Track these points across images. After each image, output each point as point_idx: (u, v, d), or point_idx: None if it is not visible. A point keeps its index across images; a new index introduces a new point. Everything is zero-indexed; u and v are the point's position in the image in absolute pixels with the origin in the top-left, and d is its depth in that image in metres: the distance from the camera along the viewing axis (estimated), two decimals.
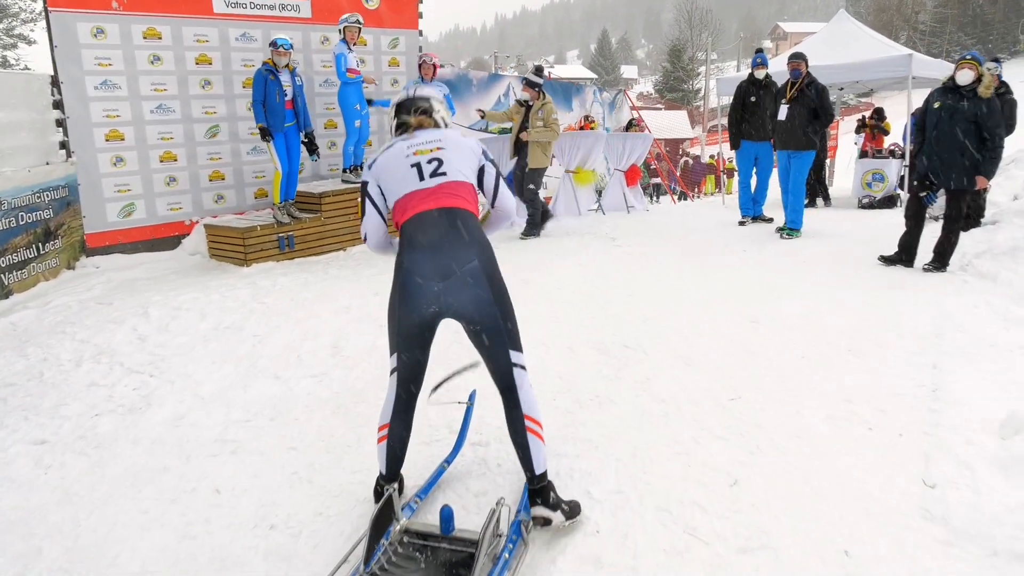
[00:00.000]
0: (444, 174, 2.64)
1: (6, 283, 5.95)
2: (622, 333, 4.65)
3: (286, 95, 6.73)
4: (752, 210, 8.99)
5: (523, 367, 2.64)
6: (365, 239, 2.90)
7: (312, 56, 8.25)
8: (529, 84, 8.17)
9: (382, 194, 2.74)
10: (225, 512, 2.84)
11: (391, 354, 2.70)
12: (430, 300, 2.52)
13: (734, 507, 2.71)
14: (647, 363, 4.12)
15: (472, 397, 3.12)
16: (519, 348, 2.64)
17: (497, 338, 2.57)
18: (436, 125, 2.83)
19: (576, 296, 5.56)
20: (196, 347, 4.78)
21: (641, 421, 3.42)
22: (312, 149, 7.14)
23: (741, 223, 8.91)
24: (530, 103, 8.08)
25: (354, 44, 7.58)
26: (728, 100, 10.95)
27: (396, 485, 2.63)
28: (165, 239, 7.42)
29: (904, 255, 6.26)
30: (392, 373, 2.71)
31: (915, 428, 3.27)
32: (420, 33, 9.28)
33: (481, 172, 2.78)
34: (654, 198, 21.13)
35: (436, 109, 2.87)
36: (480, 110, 8.87)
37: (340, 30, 7.51)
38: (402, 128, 2.81)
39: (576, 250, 7.45)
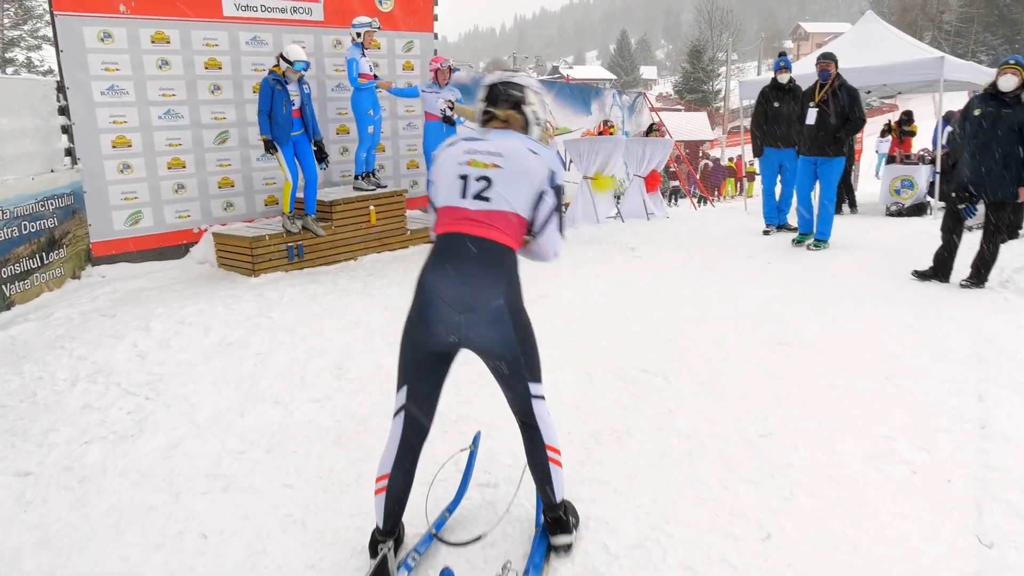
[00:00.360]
0: (487, 200, 2.35)
1: (7, 294, 5.79)
2: (641, 355, 4.39)
3: (293, 105, 6.54)
4: (777, 219, 8.69)
5: (542, 398, 2.48)
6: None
7: (324, 60, 8.06)
8: None
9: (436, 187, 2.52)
10: (210, 560, 2.62)
11: (398, 389, 2.47)
12: (450, 328, 2.32)
13: (767, 566, 2.45)
14: (668, 391, 3.86)
15: (476, 440, 2.86)
16: (539, 380, 2.47)
17: (517, 373, 2.40)
18: (525, 123, 2.52)
19: (593, 312, 5.31)
20: (197, 365, 4.59)
21: (663, 459, 3.16)
22: (321, 157, 6.94)
23: (765, 232, 8.62)
24: None
25: (368, 48, 7.40)
26: (750, 103, 10.66)
27: (392, 543, 2.40)
28: (173, 247, 7.26)
29: (940, 270, 5.95)
30: (397, 414, 2.48)
31: (963, 472, 2.99)
32: (435, 36, 9.07)
33: (539, 199, 2.41)
34: (672, 201, 20.82)
35: (530, 101, 2.53)
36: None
37: (356, 34, 7.32)
38: (487, 118, 2.54)
39: (594, 260, 7.20)
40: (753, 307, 5.38)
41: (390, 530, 2.44)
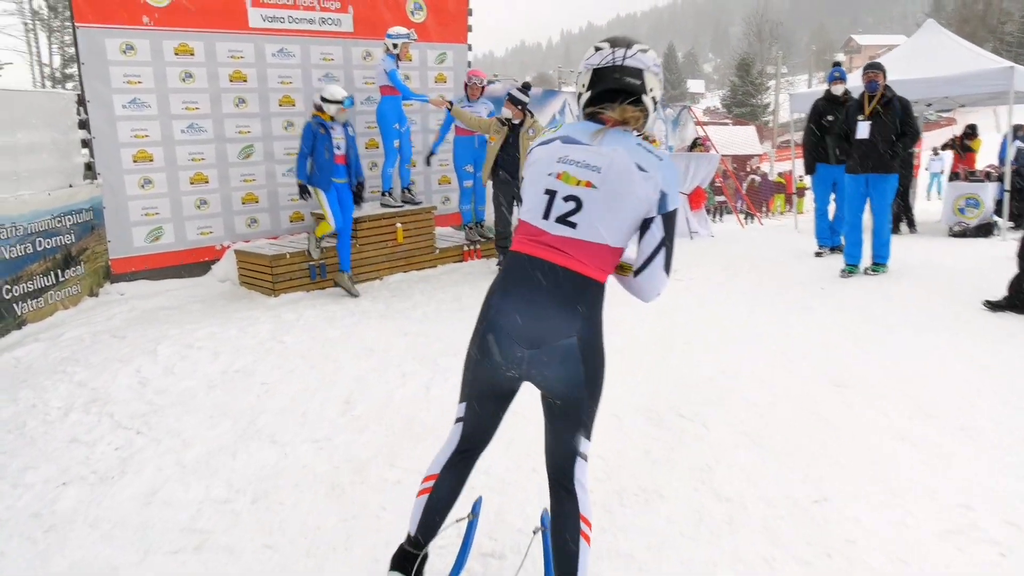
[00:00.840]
0: (573, 226, 1.98)
1: (19, 313, 5.60)
2: (678, 396, 3.94)
3: (338, 150, 6.28)
4: (830, 240, 8.13)
5: (586, 459, 2.13)
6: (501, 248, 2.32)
7: (353, 72, 7.80)
8: (512, 101, 7.01)
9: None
10: None
11: (460, 400, 2.22)
12: (512, 364, 2.03)
13: None
14: (707, 441, 3.41)
15: (476, 509, 2.44)
16: (589, 436, 2.13)
17: (573, 421, 2.08)
18: (643, 118, 2.05)
19: (629, 344, 4.86)
20: (198, 395, 4.29)
21: (698, 528, 2.72)
22: (359, 199, 6.64)
23: (818, 254, 8.06)
24: (514, 121, 7.00)
25: (402, 60, 7.16)
26: (801, 116, 10.11)
27: (423, 556, 2.16)
28: (194, 265, 7.05)
29: (1016, 300, 5.36)
30: (457, 422, 2.23)
31: None
32: (469, 47, 8.76)
33: (645, 227, 2.01)
34: (717, 217, 20.17)
35: (649, 87, 2.06)
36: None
37: (392, 45, 7.05)
38: (592, 118, 2.08)
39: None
40: (804, 340, 4.88)
41: (423, 540, 2.15)
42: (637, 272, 2.06)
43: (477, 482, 3.02)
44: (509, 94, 7.08)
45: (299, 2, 7.31)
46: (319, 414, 3.93)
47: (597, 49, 2.08)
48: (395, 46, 7.11)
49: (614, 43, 2.05)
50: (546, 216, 2.01)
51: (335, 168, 6.28)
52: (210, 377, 4.57)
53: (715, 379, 4.16)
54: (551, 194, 2.01)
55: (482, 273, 7.35)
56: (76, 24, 6.19)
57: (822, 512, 2.79)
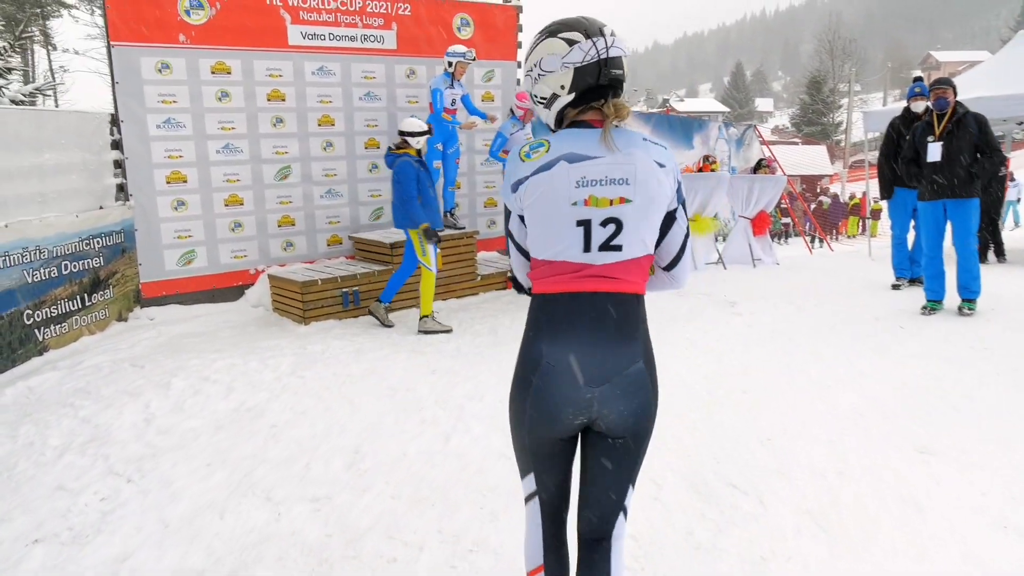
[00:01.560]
0: (619, 249, 1.76)
1: (41, 339, 5.43)
2: (731, 459, 3.40)
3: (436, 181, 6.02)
4: (909, 271, 7.39)
5: (627, 513, 1.89)
6: (513, 279, 2.07)
7: (396, 91, 7.52)
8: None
9: (524, 228, 1.86)
10: None
11: (524, 475, 1.94)
12: (579, 410, 1.78)
13: None
14: (763, 523, 2.86)
15: None
16: (635, 484, 1.90)
17: (631, 462, 1.85)
18: (627, 109, 1.82)
19: (678, 391, 4.33)
20: (201, 437, 3.96)
21: None
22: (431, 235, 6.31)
23: (895, 286, 7.34)
24: None
25: (457, 79, 6.89)
26: (876, 135, 9.38)
27: None
28: (227, 289, 6.82)
29: None
30: (530, 499, 1.95)
31: None
32: (519, 65, 8.39)
33: (668, 222, 1.85)
34: (782, 240, 19.26)
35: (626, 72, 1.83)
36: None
37: (448, 64, 6.82)
38: (583, 114, 1.81)
39: (686, 317, 6.20)
40: (881, 393, 4.26)
41: None
42: (670, 267, 1.93)
43: (486, 563, 2.57)
44: None
45: (341, 19, 7.06)
46: (323, 467, 3.54)
47: (570, 43, 1.75)
48: (450, 64, 6.83)
49: (587, 32, 1.75)
50: (587, 248, 1.75)
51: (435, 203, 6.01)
52: (218, 416, 4.25)
53: (773, 440, 3.60)
54: (585, 224, 1.74)
55: (524, 302, 6.91)
56: (111, 43, 6.05)
57: None
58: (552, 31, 1.78)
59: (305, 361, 5.21)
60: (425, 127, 5.92)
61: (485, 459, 3.51)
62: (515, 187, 1.80)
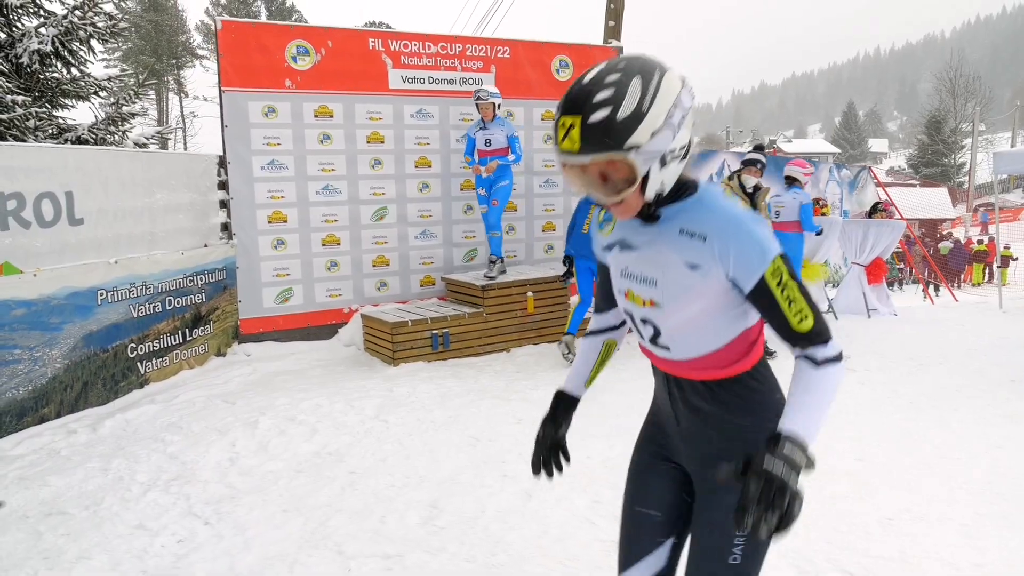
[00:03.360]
0: (668, 348, 1.57)
1: (143, 372, 5.60)
2: (842, 542, 3.02)
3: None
4: None
5: None
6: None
7: None
8: (750, 162, 6.67)
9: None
10: None
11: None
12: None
13: None
14: None
15: None
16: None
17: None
18: (645, 178, 1.38)
19: None
20: (280, 480, 3.92)
21: None
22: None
23: None
24: (748, 189, 6.63)
25: (488, 120, 6.57)
26: (1005, 178, 8.63)
27: None
28: (321, 327, 6.89)
29: None
30: None
31: None
32: None
33: (756, 295, 1.41)
34: (896, 287, 18.03)
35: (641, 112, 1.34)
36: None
37: (476, 106, 6.62)
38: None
39: (788, 371, 5.74)
40: (1020, 467, 3.74)
41: None
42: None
43: None
44: (748, 159, 6.76)
45: (440, 63, 7.14)
46: (398, 521, 3.38)
47: (682, 81, 1.39)
48: (476, 107, 6.60)
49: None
50: (643, 337, 1.62)
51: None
52: (299, 459, 4.20)
53: (896, 521, 3.18)
54: (630, 316, 1.62)
55: (623, 350, 6.63)
56: (222, 88, 6.31)
57: None
58: (660, 65, 1.39)
59: (390, 404, 5.14)
60: None
61: (567, 523, 3.27)
62: (601, 253, 1.71)
